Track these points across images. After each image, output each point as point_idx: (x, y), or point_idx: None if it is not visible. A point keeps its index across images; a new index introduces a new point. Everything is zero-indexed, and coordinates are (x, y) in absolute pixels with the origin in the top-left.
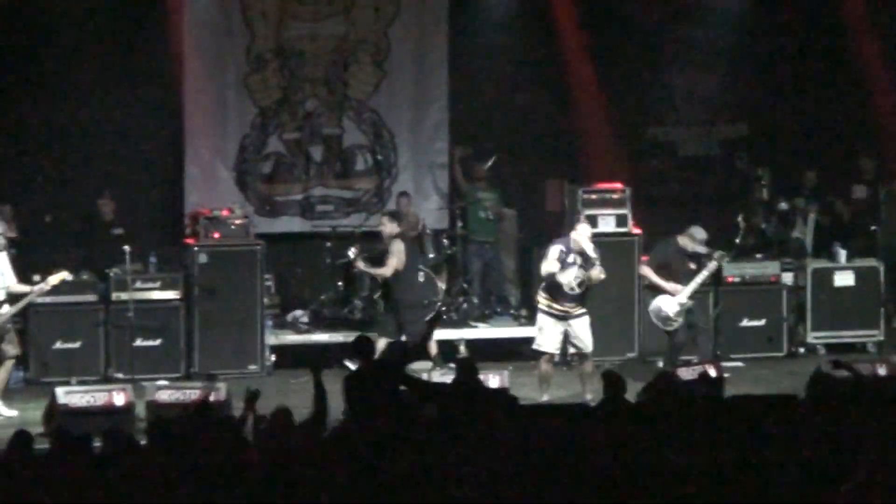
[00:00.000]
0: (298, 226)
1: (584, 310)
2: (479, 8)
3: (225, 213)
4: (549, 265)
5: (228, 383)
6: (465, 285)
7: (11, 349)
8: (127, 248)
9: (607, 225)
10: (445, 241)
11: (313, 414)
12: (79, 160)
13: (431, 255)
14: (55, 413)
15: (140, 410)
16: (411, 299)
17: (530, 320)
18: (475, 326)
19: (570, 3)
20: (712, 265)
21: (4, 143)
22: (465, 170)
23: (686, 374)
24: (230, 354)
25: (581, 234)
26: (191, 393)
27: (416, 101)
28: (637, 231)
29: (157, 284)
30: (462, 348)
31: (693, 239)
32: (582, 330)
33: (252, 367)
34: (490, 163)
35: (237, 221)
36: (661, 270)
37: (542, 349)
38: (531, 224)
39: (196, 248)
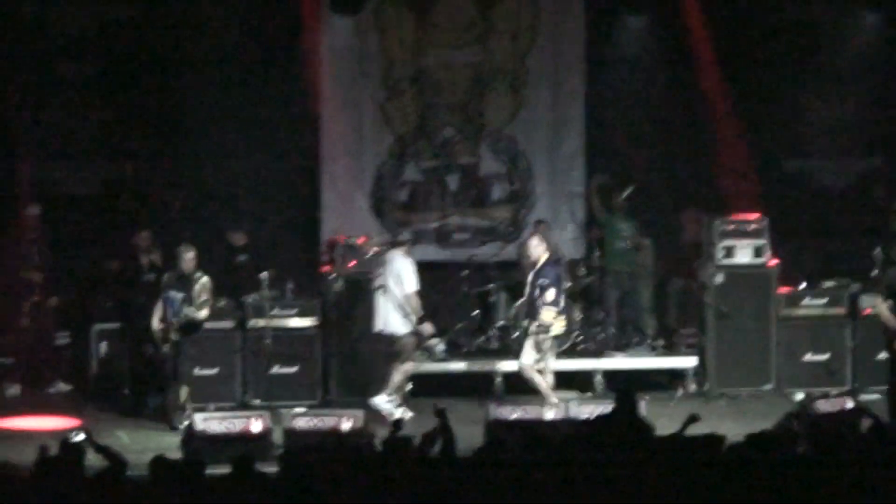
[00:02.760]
0: (434, 254)
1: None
2: (616, 36)
3: (361, 240)
4: None
5: (364, 411)
6: (601, 315)
7: None
8: (264, 275)
9: (744, 256)
10: (582, 271)
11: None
12: (215, 187)
13: (567, 285)
14: (192, 439)
15: (277, 437)
16: None
17: (667, 350)
18: (612, 356)
19: (707, 34)
20: None
21: (143, 172)
22: (603, 199)
23: (824, 406)
24: (366, 382)
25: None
26: (328, 420)
27: (553, 130)
28: (774, 262)
29: (294, 311)
30: (598, 378)
31: None
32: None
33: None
34: (627, 192)
35: (373, 249)
36: None
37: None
38: (668, 254)
39: (332, 276)
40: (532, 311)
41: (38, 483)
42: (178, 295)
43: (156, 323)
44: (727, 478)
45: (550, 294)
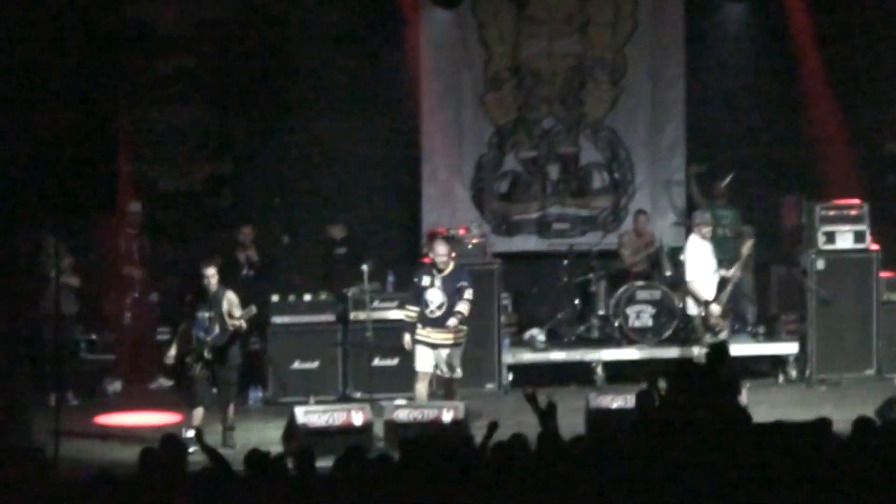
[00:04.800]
0: (535, 244)
1: (450, 338)
2: (714, 24)
3: (462, 231)
4: (403, 313)
5: (466, 402)
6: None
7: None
8: (365, 267)
9: (845, 241)
10: (683, 259)
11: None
12: (318, 181)
13: (668, 273)
14: (294, 433)
15: (378, 430)
16: None
17: (768, 337)
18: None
19: (807, 17)
20: None
21: (245, 167)
22: (703, 187)
23: None
24: (468, 373)
25: (438, 255)
26: (430, 412)
27: (653, 119)
28: (875, 247)
29: (395, 304)
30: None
31: None
32: (449, 360)
33: (489, 386)
34: (728, 180)
35: (474, 240)
36: None
37: (417, 370)
38: (768, 241)
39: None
40: None
41: (141, 479)
42: (205, 315)
43: (172, 350)
44: (833, 465)
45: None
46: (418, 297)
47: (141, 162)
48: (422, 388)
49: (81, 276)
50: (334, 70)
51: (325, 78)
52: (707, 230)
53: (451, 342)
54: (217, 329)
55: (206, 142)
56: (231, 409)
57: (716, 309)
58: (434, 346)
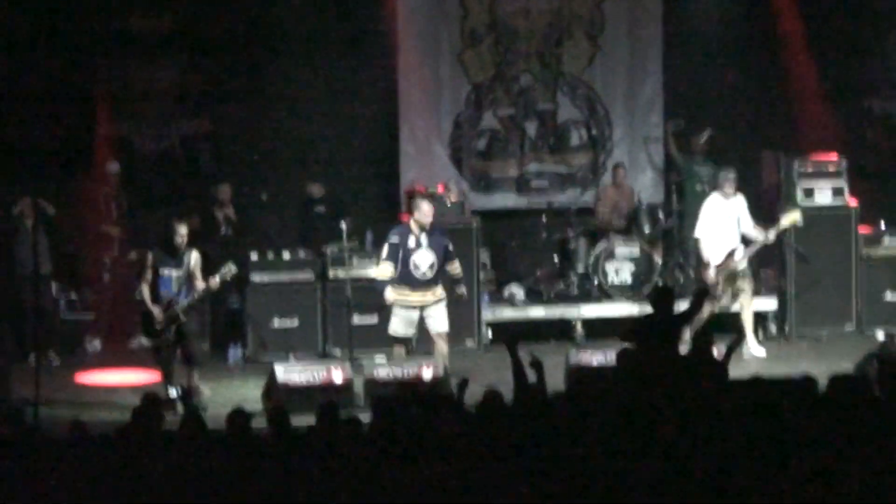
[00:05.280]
0: (513, 202)
1: (440, 296)
2: None
3: (440, 189)
4: (379, 272)
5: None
6: (681, 259)
7: None
8: (343, 225)
9: (823, 197)
10: (661, 215)
11: (515, 389)
12: (294, 138)
13: (647, 230)
14: (274, 391)
15: (358, 387)
16: None
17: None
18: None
19: None
20: None
21: (222, 125)
22: (681, 143)
23: None
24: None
25: (425, 215)
26: (409, 369)
27: (631, 75)
28: (854, 202)
29: (374, 261)
30: None
31: None
32: (438, 316)
33: (469, 343)
34: (705, 136)
35: (452, 198)
36: None
37: (395, 335)
38: (747, 196)
39: None
40: None
41: (120, 437)
42: (171, 273)
43: (150, 304)
44: (811, 418)
45: None
46: (398, 258)
47: (119, 121)
48: (401, 351)
49: (58, 236)
50: (312, 28)
51: (302, 36)
52: (730, 189)
53: (437, 299)
54: (183, 289)
55: (184, 101)
56: (196, 371)
57: (711, 272)
58: (420, 308)
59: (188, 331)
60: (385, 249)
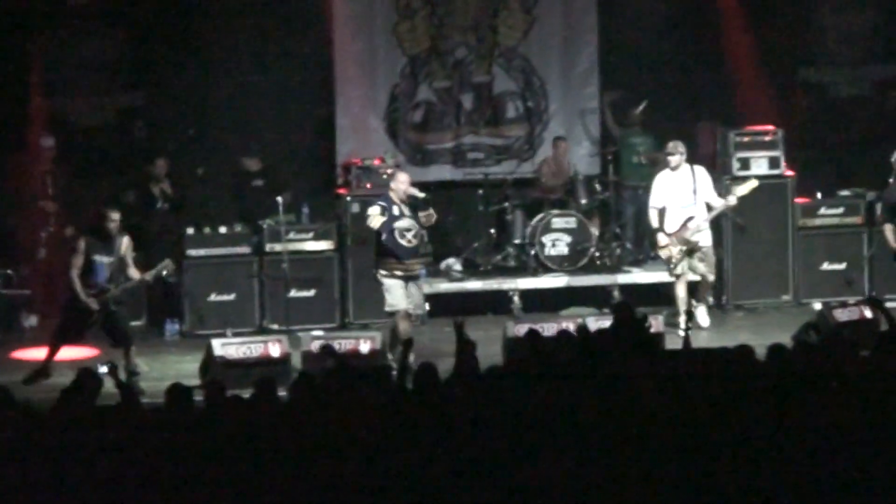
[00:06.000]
0: (449, 174)
1: (421, 266)
2: None
3: (376, 162)
4: (374, 222)
5: (383, 332)
6: (617, 230)
7: None
8: (280, 199)
9: (759, 167)
10: (598, 187)
11: (456, 366)
12: (230, 112)
13: (583, 201)
14: (211, 365)
15: (296, 361)
16: None
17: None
18: (628, 272)
19: None
20: None
21: (158, 99)
22: (617, 115)
23: (843, 315)
24: (383, 303)
25: (402, 182)
26: (346, 343)
27: (566, 47)
28: (790, 173)
29: (311, 235)
30: (615, 293)
31: None
32: (416, 294)
33: None
34: (641, 107)
35: (389, 171)
36: None
37: (396, 308)
38: None
39: (348, 198)
40: None
41: (53, 414)
42: (104, 259)
43: (80, 290)
44: (744, 392)
45: None
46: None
47: (53, 95)
48: (406, 325)
49: None
50: (247, 1)
51: (236, 9)
52: (674, 159)
53: (417, 272)
54: (115, 275)
55: (119, 74)
56: (132, 350)
57: (661, 238)
58: (407, 279)
59: (119, 316)
60: (376, 207)
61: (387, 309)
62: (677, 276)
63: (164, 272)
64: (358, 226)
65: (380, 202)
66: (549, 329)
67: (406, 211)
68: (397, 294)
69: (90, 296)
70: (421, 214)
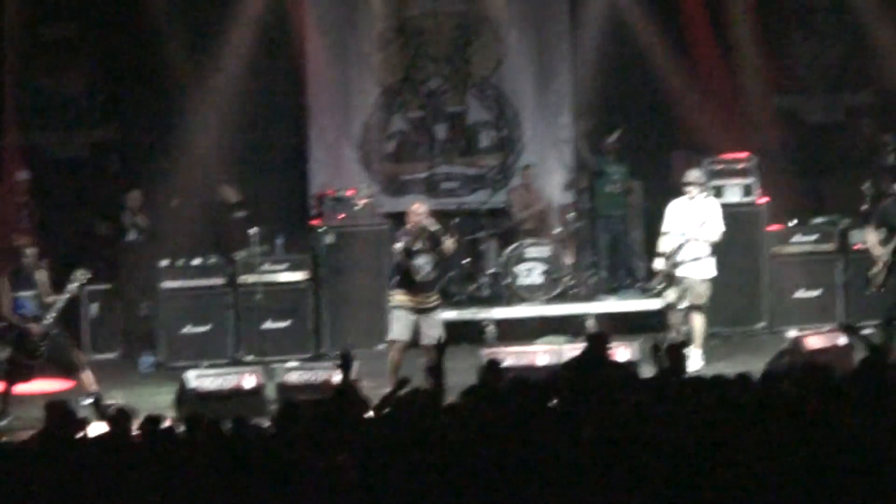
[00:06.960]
0: None
1: (436, 300)
2: None
3: (350, 193)
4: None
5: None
6: (592, 259)
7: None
8: (254, 230)
9: (733, 195)
10: (573, 215)
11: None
12: (204, 144)
13: (557, 230)
14: (186, 398)
15: (270, 392)
16: None
17: (659, 293)
18: (603, 300)
19: None
20: None
21: (133, 131)
22: (592, 144)
23: (815, 342)
24: (359, 334)
25: (418, 215)
26: (321, 373)
27: (539, 76)
28: (764, 200)
29: (285, 266)
30: (590, 322)
31: None
32: (434, 323)
33: (380, 347)
34: (616, 136)
35: (363, 201)
36: None
37: (394, 339)
38: (658, 196)
39: (322, 230)
40: None
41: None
42: (27, 294)
43: (17, 319)
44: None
45: None
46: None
47: (27, 129)
48: (398, 356)
49: None
50: (219, 31)
51: (209, 40)
52: (691, 189)
53: (435, 304)
54: (39, 309)
55: (92, 108)
56: (89, 375)
57: (657, 264)
58: (422, 312)
59: (58, 344)
60: (399, 244)
61: (389, 337)
62: (668, 305)
63: (82, 281)
64: (332, 256)
65: (403, 236)
66: (522, 359)
67: (424, 244)
68: (400, 325)
69: (27, 322)
70: (443, 247)
